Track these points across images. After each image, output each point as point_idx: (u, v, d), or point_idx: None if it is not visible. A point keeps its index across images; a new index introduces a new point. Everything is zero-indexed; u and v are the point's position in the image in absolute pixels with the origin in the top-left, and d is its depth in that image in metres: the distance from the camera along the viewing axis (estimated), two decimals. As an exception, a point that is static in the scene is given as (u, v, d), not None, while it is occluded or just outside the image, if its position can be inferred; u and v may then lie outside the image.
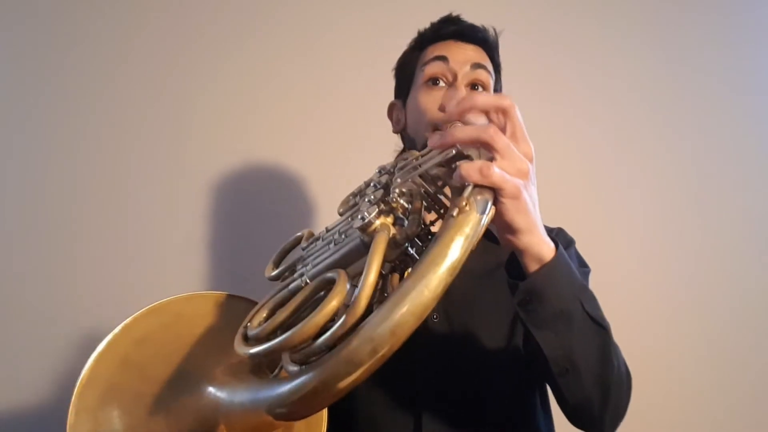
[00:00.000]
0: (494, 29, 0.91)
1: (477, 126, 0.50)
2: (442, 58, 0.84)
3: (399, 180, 0.53)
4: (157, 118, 1.31)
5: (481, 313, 0.82)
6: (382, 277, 0.54)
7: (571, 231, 0.96)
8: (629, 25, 1.54)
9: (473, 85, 0.85)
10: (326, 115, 1.37)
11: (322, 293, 0.51)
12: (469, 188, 0.46)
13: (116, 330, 0.66)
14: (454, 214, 0.44)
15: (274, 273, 0.67)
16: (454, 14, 0.91)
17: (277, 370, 0.61)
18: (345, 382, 0.43)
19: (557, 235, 0.92)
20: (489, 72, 0.86)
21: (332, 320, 0.46)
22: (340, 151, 1.34)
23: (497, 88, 0.91)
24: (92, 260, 1.24)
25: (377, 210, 0.51)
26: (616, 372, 0.61)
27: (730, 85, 1.56)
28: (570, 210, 1.39)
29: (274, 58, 1.37)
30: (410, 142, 0.90)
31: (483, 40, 0.88)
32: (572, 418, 0.67)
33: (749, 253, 1.50)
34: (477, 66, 0.84)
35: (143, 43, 1.32)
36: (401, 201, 0.51)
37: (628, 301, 1.42)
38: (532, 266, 0.55)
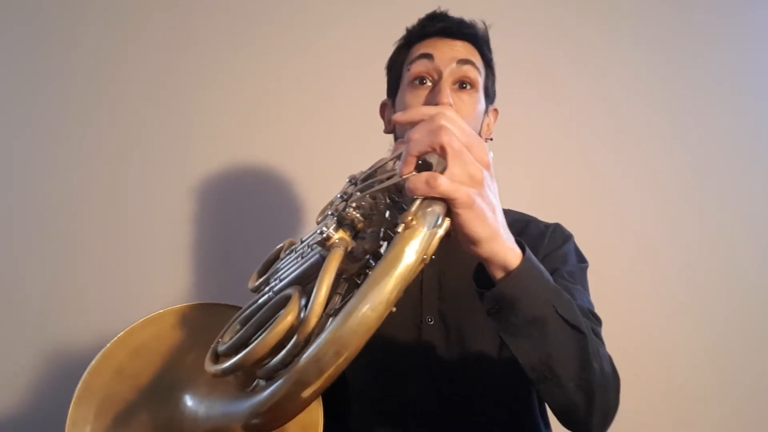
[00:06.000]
0: (484, 23, 0.89)
1: (429, 131, 0.47)
2: (428, 56, 0.82)
3: (358, 194, 0.52)
4: (158, 119, 1.32)
5: (475, 316, 0.80)
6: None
7: (570, 230, 0.93)
8: (629, 26, 1.51)
9: (461, 83, 0.83)
10: (326, 116, 1.36)
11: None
12: (417, 202, 0.45)
13: (111, 342, 0.69)
14: (399, 230, 0.44)
15: (255, 284, 0.68)
16: (441, 10, 0.89)
17: (254, 384, 0.62)
18: (297, 401, 0.44)
19: (554, 231, 0.90)
20: (477, 68, 0.84)
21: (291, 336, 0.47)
22: (340, 153, 1.33)
23: (488, 84, 0.88)
24: (92, 261, 1.27)
25: (335, 224, 0.51)
26: (598, 375, 0.59)
27: (729, 85, 1.52)
28: (570, 209, 1.36)
29: (272, 61, 1.37)
30: None
31: (471, 35, 0.86)
32: (561, 420, 0.65)
33: (749, 252, 1.47)
34: (464, 62, 0.82)
35: (142, 45, 1.34)
36: (356, 215, 0.50)
37: (628, 301, 1.40)
38: (498, 274, 0.53)
